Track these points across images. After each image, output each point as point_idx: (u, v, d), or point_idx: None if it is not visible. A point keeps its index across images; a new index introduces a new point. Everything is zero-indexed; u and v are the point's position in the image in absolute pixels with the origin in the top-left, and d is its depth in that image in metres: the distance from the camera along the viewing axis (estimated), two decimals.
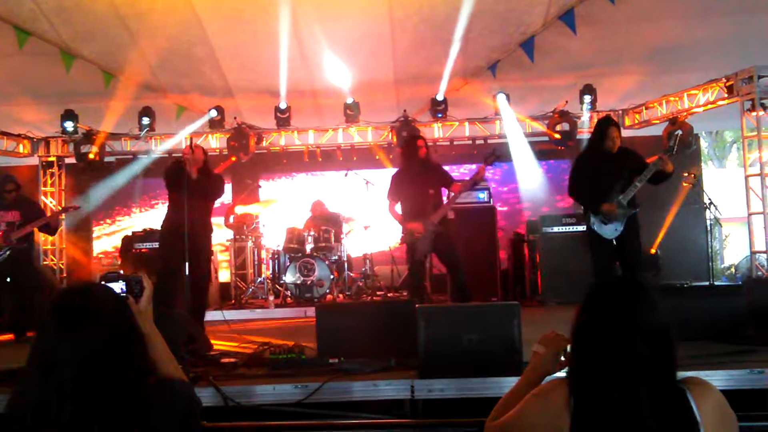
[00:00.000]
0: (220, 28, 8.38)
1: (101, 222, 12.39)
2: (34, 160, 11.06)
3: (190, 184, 6.07)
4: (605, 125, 6.05)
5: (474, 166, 8.97)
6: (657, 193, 8.82)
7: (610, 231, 5.93)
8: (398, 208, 6.92)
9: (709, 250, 9.46)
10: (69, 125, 9.91)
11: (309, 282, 9.01)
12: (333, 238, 9.53)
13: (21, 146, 10.67)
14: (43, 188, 10.94)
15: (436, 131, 10.27)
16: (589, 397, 1.82)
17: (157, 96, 9.91)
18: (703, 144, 17.05)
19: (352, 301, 8.94)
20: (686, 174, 9.20)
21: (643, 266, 6.92)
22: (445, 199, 6.90)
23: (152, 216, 11.96)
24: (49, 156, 10.99)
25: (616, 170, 5.92)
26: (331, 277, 9.11)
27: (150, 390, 1.83)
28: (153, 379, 1.89)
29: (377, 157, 10.89)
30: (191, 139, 7.24)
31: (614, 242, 5.98)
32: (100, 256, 12.18)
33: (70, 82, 9.01)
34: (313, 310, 5.03)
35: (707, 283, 9.23)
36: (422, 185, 6.70)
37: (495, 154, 6.82)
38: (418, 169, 6.78)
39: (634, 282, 1.96)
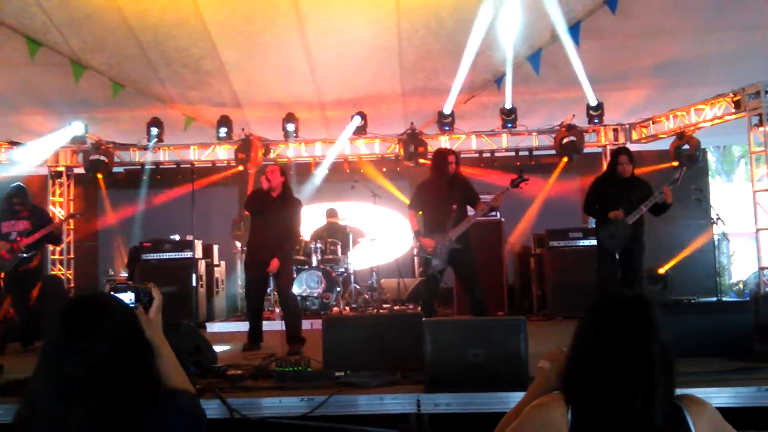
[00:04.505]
0: (229, 40, 8.45)
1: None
2: (43, 170, 11.13)
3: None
4: (615, 155, 6.83)
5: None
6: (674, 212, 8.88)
7: (616, 246, 6.55)
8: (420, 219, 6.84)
9: (717, 265, 9.41)
10: (78, 128, 9.93)
11: (315, 294, 9.00)
12: (339, 251, 9.53)
13: None
14: (51, 198, 10.99)
15: (442, 144, 10.26)
16: (587, 411, 1.83)
17: (165, 107, 9.98)
18: (711, 159, 17.02)
19: (358, 313, 8.92)
20: (693, 187, 9.21)
21: (643, 281, 7.41)
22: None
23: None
24: (58, 166, 11.06)
25: (624, 195, 6.60)
26: (338, 289, 9.10)
27: (156, 400, 1.84)
28: (160, 390, 1.90)
29: (384, 169, 10.93)
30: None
31: (617, 257, 6.63)
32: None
33: (79, 92, 9.09)
34: (319, 322, 5.02)
35: (715, 299, 9.19)
36: (446, 200, 6.59)
37: (522, 176, 6.71)
38: (444, 183, 6.68)
39: (640, 295, 1.98)
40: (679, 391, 1.87)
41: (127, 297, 2.17)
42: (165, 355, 2.12)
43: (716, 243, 9.28)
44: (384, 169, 10.92)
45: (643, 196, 6.57)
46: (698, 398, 1.90)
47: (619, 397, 1.79)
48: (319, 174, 10.69)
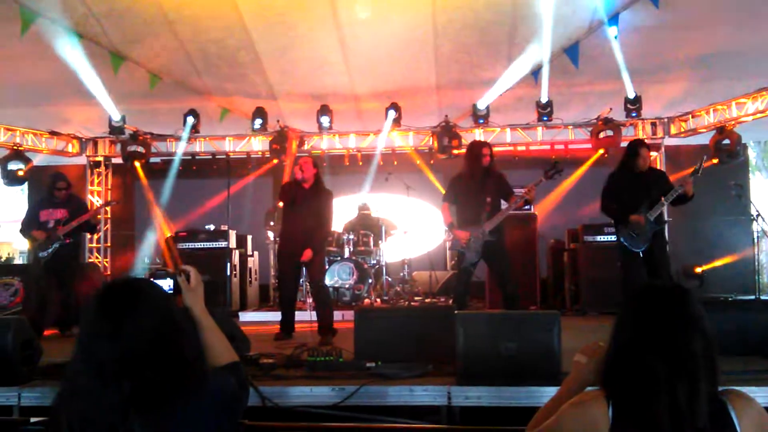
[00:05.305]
0: (265, 32, 8.48)
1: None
2: (82, 160, 11.33)
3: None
4: (636, 147, 6.55)
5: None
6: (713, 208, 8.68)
7: (638, 244, 6.34)
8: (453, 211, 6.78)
9: (756, 263, 9.21)
10: (116, 118, 10.05)
11: (347, 285, 9.04)
12: (372, 242, 9.55)
13: (70, 146, 10.95)
14: (90, 187, 11.20)
15: (477, 137, 10.19)
16: (629, 408, 1.79)
17: (201, 98, 10.07)
18: (751, 154, 16.66)
19: (390, 305, 8.93)
20: (733, 182, 9.01)
21: (671, 277, 7.24)
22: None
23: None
24: (97, 156, 11.25)
25: (644, 189, 6.37)
26: (369, 281, 9.13)
27: (192, 380, 1.85)
28: (194, 373, 1.90)
29: (418, 162, 10.91)
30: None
31: (641, 255, 6.39)
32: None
33: (117, 83, 9.22)
34: (351, 313, 5.04)
35: (754, 297, 9.00)
36: (480, 192, 6.56)
37: (556, 168, 6.58)
38: (478, 176, 6.65)
39: (679, 285, 1.94)
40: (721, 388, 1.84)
41: (166, 283, 2.20)
42: (207, 327, 2.16)
43: (756, 240, 9.06)
44: (418, 162, 10.92)
45: (664, 188, 6.35)
46: (743, 393, 1.85)
47: (661, 392, 1.75)
48: (371, 169, 10.69)
